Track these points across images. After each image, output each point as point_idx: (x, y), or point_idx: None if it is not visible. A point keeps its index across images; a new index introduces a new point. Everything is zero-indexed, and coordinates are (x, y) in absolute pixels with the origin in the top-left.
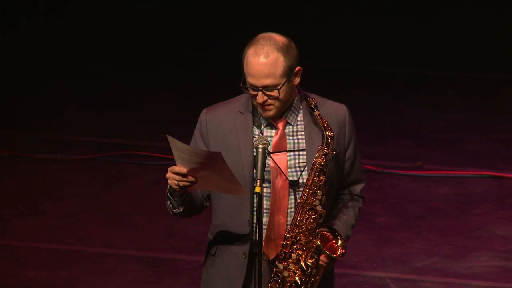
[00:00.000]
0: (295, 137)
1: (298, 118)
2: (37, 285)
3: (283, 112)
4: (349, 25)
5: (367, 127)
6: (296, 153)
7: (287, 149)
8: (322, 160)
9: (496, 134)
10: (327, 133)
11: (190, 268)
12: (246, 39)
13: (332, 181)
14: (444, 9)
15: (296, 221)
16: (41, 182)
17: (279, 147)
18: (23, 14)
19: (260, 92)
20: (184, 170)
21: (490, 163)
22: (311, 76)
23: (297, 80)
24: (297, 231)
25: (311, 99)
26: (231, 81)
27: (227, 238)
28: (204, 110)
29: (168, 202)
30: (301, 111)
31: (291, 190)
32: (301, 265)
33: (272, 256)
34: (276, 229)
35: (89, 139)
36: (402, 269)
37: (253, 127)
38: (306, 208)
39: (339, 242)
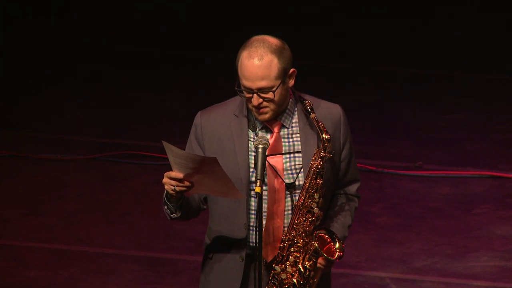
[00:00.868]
0: (291, 140)
1: (293, 121)
2: (37, 285)
3: (278, 115)
4: (349, 25)
5: (367, 127)
6: (292, 155)
7: (283, 152)
8: (319, 163)
9: (496, 134)
10: (323, 135)
11: (190, 268)
12: (246, 39)
13: (328, 182)
14: (444, 9)
15: (293, 223)
16: (41, 182)
17: (274, 149)
18: (23, 14)
19: (255, 95)
20: (180, 175)
21: (490, 163)
22: (311, 76)
23: (291, 82)
24: (294, 233)
25: (306, 102)
26: (231, 81)
27: (224, 241)
28: (199, 113)
29: (165, 207)
30: (296, 113)
31: (287, 192)
32: (299, 268)
33: (269, 259)
34: (273, 231)
35: (89, 139)
36: (402, 269)
37: (248, 131)
38: (304, 211)
39: (337, 244)
